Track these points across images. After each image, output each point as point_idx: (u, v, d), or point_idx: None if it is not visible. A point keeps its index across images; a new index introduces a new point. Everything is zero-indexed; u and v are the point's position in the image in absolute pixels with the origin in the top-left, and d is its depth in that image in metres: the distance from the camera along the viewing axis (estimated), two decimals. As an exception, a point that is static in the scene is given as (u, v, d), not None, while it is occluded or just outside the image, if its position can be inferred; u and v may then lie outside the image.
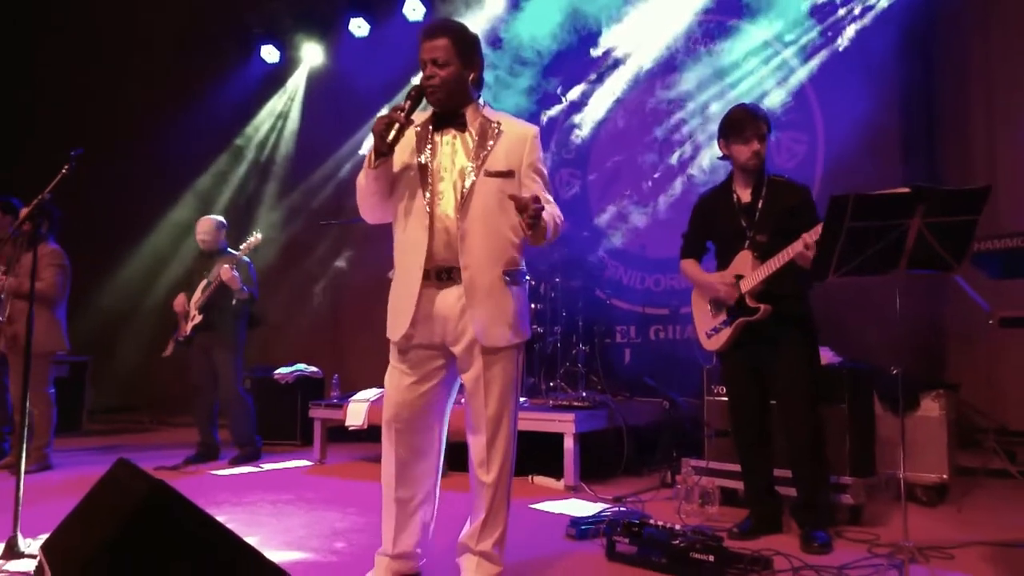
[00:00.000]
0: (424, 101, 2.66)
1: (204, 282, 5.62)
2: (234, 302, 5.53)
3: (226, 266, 5.42)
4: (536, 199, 2.49)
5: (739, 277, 3.40)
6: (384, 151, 2.57)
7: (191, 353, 5.67)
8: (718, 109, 5.88)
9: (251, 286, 5.63)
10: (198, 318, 5.58)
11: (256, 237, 5.56)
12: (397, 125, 2.54)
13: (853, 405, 3.79)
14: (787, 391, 3.35)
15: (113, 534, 1.95)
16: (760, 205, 3.40)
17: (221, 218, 5.90)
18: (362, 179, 2.69)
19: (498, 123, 2.71)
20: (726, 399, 4.13)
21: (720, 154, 3.53)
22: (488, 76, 6.46)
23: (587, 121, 6.54)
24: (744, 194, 3.45)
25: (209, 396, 5.68)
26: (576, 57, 6.56)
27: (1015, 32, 5.03)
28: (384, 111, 2.64)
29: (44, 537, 2.51)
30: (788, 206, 3.33)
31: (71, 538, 2.34)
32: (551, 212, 2.63)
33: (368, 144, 2.67)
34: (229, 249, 5.72)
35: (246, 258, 5.61)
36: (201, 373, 5.65)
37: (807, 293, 3.40)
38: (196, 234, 5.81)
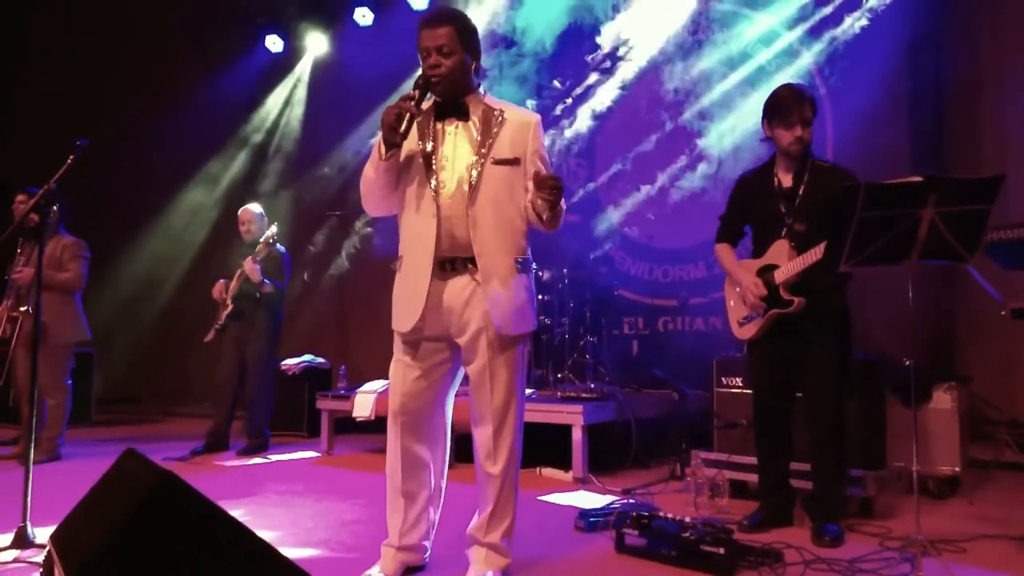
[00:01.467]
0: (428, 88, 2.64)
1: (239, 271, 5.64)
2: (258, 295, 5.55)
3: (249, 258, 5.45)
4: (557, 176, 2.48)
5: (773, 267, 3.31)
6: (395, 142, 2.55)
7: (223, 342, 5.70)
8: (726, 99, 5.84)
9: (280, 279, 5.64)
10: (230, 307, 5.61)
11: (271, 231, 5.57)
12: (408, 115, 2.51)
13: (864, 397, 3.76)
14: (816, 384, 3.28)
15: (121, 524, 1.94)
16: (801, 191, 3.29)
17: (259, 208, 5.93)
18: (370, 171, 2.66)
19: (501, 111, 2.69)
20: (738, 390, 4.12)
21: (763, 135, 3.39)
22: (492, 67, 6.46)
23: (595, 111, 6.49)
24: (786, 179, 3.34)
25: (235, 386, 5.70)
26: (581, 47, 6.52)
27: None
28: (392, 101, 2.59)
29: (53, 527, 2.51)
30: (831, 193, 3.17)
31: (79, 528, 2.33)
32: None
33: (377, 135, 2.64)
34: (267, 241, 5.70)
35: (281, 247, 5.61)
36: (230, 363, 5.67)
37: (845, 287, 3.31)
38: (239, 224, 5.87)
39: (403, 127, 2.51)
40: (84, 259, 5.46)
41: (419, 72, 2.64)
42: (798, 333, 3.28)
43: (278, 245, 5.69)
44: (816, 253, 3.14)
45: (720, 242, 3.57)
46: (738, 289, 3.45)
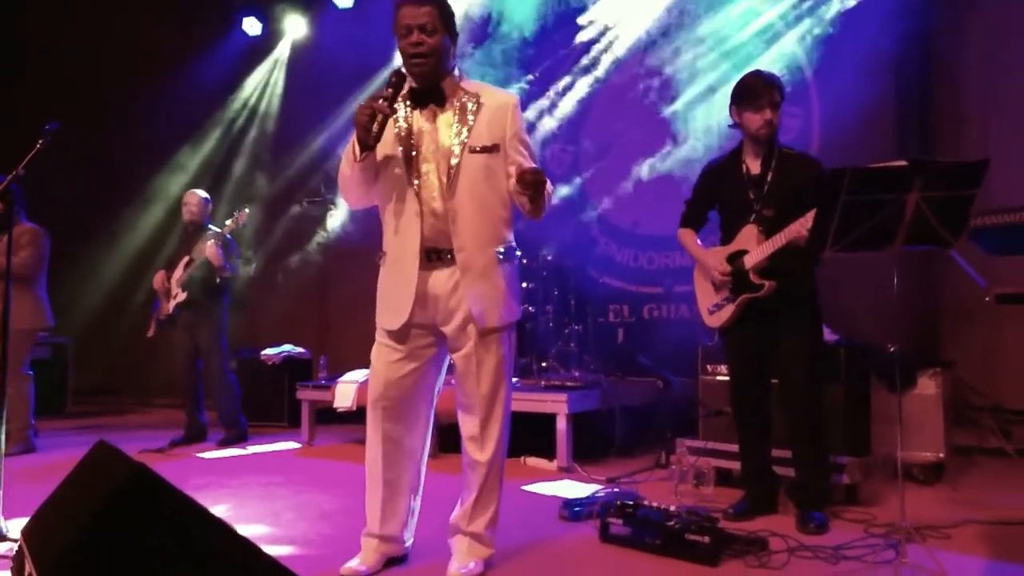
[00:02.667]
0: (404, 86, 2.56)
1: (186, 259, 5.52)
2: (217, 280, 5.44)
3: (211, 242, 5.32)
4: (539, 169, 2.44)
5: (743, 252, 3.31)
6: (369, 144, 2.48)
7: (175, 333, 5.58)
8: (710, 82, 5.80)
9: (233, 264, 5.53)
10: (181, 296, 5.47)
11: (243, 212, 5.45)
12: (381, 116, 2.45)
13: (849, 383, 3.76)
14: (789, 369, 3.29)
15: (91, 519, 1.89)
16: (769, 178, 3.29)
17: (205, 193, 5.80)
18: (346, 169, 2.59)
19: (477, 95, 2.62)
20: (723, 378, 4.10)
21: (731, 121, 3.40)
22: (473, 50, 6.39)
23: (578, 96, 6.43)
24: (753, 165, 3.35)
25: (194, 376, 5.60)
26: (566, 31, 6.46)
27: (1011, 6, 4.96)
28: (370, 89, 2.53)
29: (25, 520, 2.45)
30: (798, 180, 3.22)
31: (50, 522, 2.28)
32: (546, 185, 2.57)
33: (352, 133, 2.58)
34: (212, 226, 5.62)
35: (229, 235, 5.50)
36: (185, 353, 5.56)
37: (813, 271, 3.32)
38: (183, 207, 5.71)
39: (376, 128, 2.45)
40: (39, 246, 5.30)
41: (404, 56, 2.56)
42: (769, 318, 3.29)
43: (221, 230, 5.54)
44: (784, 236, 3.14)
45: (683, 227, 3.58)
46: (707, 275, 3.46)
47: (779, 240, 3.16)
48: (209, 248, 5.30)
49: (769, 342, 3.32)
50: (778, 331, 3.29)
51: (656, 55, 6.10)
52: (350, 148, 2.55)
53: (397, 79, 2.51)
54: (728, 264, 3.33)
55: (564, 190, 6.34)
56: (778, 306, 3.26)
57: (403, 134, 2.59)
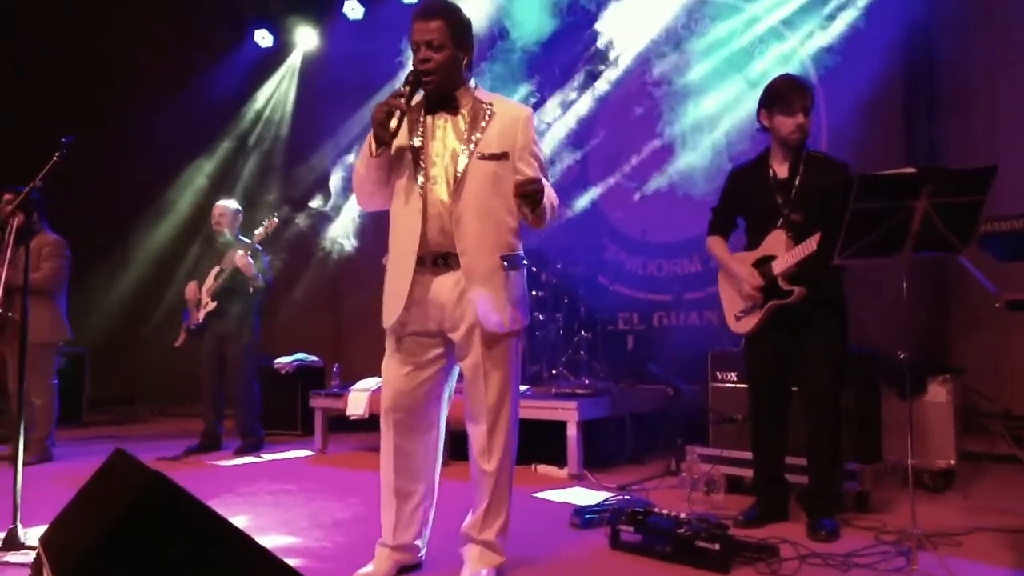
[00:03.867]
0: (418, 84, 2.61)
1: (216, 269, 5.58)
2: (251, 290, 5.49)
3: (240, 252, 5.38)
4: (536, 179, 2.46)
5: (770, 258, 3.27)
6: (385, 140, 2.52)
7: (202, 341, 5.64)
8: (718, 92, 5.82)
9: (264, 274, 5.58)
10: (211, 305, 5.54)
11: (272, 221, 5.49)
12: (398, 113, 2.49)
13: (859, 390, 3.75)
14: (813, 376, 3.25)
15: (109, 527, 1.92)
16: (797, 182, 3.25)
17: (235, 203, 5.86)
18: (360, 168, 2.64)
19: (490, 104, 2.66)
20: (733, 385, 4.11)
21: (759, 125, 3.36)
22: (485, 59, 6.44)
23: (586, 105, 6.47)
24: (781, 169, 3.31)
25: (217, 386, 5.65)
26: (575, 40, 6.49)
27: (1018, 12, 4.96)
28: (382, 96, 2.57)
29: (44, 528, 2.48)
30: (826, 184, 3.13)
31: (68, 530, 2.31)
32: (548, 195, 2.59)
33: (368, 132, 2.62)
34: (241, 237, 5.67)
35: (258, 245, 5.56)
36: (211, 362, 5.61)
37: (842, 277, 3.28)
38: (211, 218, 5.77)
39: (393, 125, 2.49)
40: (63, 258, 5.37)
41: (410, 68, 2.61)
42: (796, 324, 3.25)
43: (252, 240, 5.61)
44: (813, 243, 3.09)
45: (712, 235, 3.54)
46: (734, 282, 3.43)
47: (809, 245, 3.11)
48: (239, 258, 5.36)
49: (795, 348, 3.28)
50: (805, 337, 3.25)
51: (665, 65, 6.13)
52: (366, 146, 2.60)
53: (414, 78, 2.56)
54: (757, 271, 3.30)
55: (580, 202, 6.36)
56: (807, 312, 3.22)
57: (415, 137, 2.63)
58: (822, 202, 3.11)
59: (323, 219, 7.63)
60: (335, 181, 7.53)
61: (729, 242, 3.55)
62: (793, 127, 3.23)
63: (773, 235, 3.28)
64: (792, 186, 3.27)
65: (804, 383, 3.33)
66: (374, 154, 2.56)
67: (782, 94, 3.25)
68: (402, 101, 2.50)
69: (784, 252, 3.23)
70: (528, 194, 2.45)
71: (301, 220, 7.91)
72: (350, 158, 7.30)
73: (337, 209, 7.28)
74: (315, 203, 7.53)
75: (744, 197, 3.43)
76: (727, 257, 3.46)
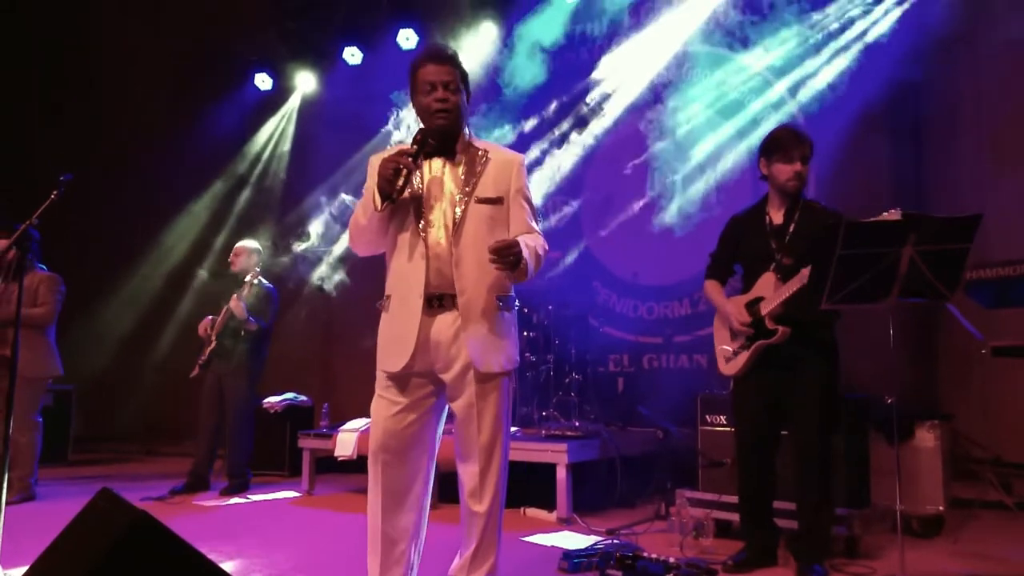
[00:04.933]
0: (425, 144, 2.64)
1: (225, 308, 5.62)
2: (243, 332, 5.52)
3: (235, 296, 5.44)
4: (512, 244, 2.49)
5: (759, 299, 3.33)
6: (391, 196, 2.55)
7: (205, 379, 5.65)
8: (708, 139, 5.93)
9: (265, 316, 5.63)
10: (214, 343, 5.56)
11: (255, 272, 5.59)
12: (405, 171, 2.53)
13: (848, 435, 3.76)
14: (802, 418, 3.26)
15: (93, 567, 1.90)
16: (792, 228, 3.32)
17: (253, 244, 5.91)
18: (361, 219, 2.66)
19: (485, 151, 2.72)
20: (723, 428, 4.11)
21: (760, 173, 3.44)
22: (478, 103, 6.56)
23: (580, 149, 6.57)
24: (777, 216, 3.39)
25: (213, 424, 5.63)
26: (567, 87, 6.63)
27: (1004, 62, 5.09)
28: (379, 143, 2.61)
29: (25, 569, 2.45)
30: (819, 231, 3.19)
31: (50, 571, 2.28)
32: (533, 246, 2.63)
33: (368, 182, 2.65)
34: (261, 278, 5.71)
35: (267, 284, 5.60)
36: (210, 400, 5.61)
37: (833, 319, 3.31)
38: (231, 257, 5.88)
39: (400, 182, 2.53)
40: (59, 294, 5.40)
41: (426, 111, 2.65)
42: (784, 367, 3.27)
43: (264, 282, 5.68)
44: (799, 281, 3.15)
45: (709, 279, 3.60)
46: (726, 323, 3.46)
47: (793, 285, 3.17)
48: (233, 302, 5.43)
49: (783, 391, 3.30)
50: (793, 378, 3.26)
51: (655, 113, 6.24)
52: (368, 199, 2.62)
53: (423, 136, 2.61)
54: (747, 312, 3.35)
55: (572, 244, 6.42)
56: (794, 353, 3.25)
57: (415, 183, 2.66)
58: (811, 247, 3.16)
59: (314, 259, 7.67)
60: (318, 224, 7.60)
61: (726, 287, 3.60)
62: (791, 174, 3.30)
63: (764, 278, 3.35)
64: (786, 232, 3.34)
65: (792, 424, 3.33)
66: (378, 208, 2.59)
67: (782, 143, 3.34)
68: (410, 160, 2.54)
69: (772, 293, 3.28)
70: (503, 260, 2.48)
71: (293, 260, 7.95)
72: (346, 199, 7.40)
73: (328, 249, 7.32)
74: (301, 244, 7.58)
75: (741, 242, 3.51)
76: (722, 299, 3.52)
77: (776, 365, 3.29)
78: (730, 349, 3.44)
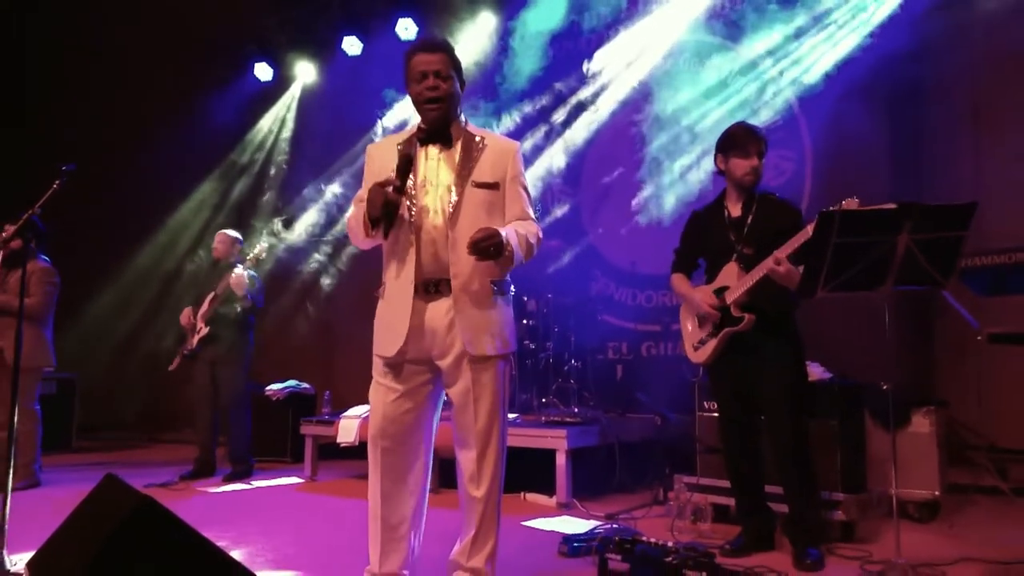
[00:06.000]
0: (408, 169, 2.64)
1: (211, 294, 5.63)
2: (238, 309, 5.53)
3: (236, 271, 5.43)
4: (491, 234, 2.49)
5: (724, 288, 3.42)
6: (380, 223, 2.56)
7: (195, 366, 5.67)
8: (706, 128, 5.93)
9: (256, 296, 5.64)
10: (204, 331, 5.58)
11: (262, 246, 5.59)
12: (394, 203, 2.54)
13: (844, 421, 3.79)
14: (772, 403, 3.35)
15: (99, 551, 1.93)
16: (749, 220, 3.43)
17: (235, 233, 5.94)
18: (356, 227, 2.69)
19: (482, 138, 2.74)
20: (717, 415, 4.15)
21: (716, 168, 3.55)
22: (476, 91, 6.56)
23: (578, 138, 6.58)
24: (735, 209, 3.49)
25: (211, 411, 5.67)
26: (566, 73, 6.62)
27: (1001, 51, 5.08)
28: (376, 183, 2.58)
29: (31, 555, 2.48)
30: (777, 225, 3.33)
31: (57, 555, 2.32)
32: (524, 234, 2.65)
33: (365, 189, 2.66)
34: (240, 266, 5.73)
35: (253, 272, 5.62)
36: (204, 387, 5.63)
37: (793, 305, 3.39)
38: (213, 244, 5.88)
39: (390, 214, 2.54)
40: (51, 285, 5.40)
41: (418, 100, 2.66)
42: (750, 352, 3.36)
43: (246, 268, 5.66)
44: (761, 269, 3.24)
45: (675, 272, 3.69)
46: (695, 312, 3.55)
47: (756, 274, 3.27)
48: (235, 276, 5.40)
49: (753, 377, 3.39)
50: (760, 364, 3.36)
51: (655, 101, 6.23)
52: (362, 213, 2.62)
53: (404, 164, 2.60)
54: (713, 295, 3.44)
55: (571, 233, 6.42)
56: (759, 339, 3.34)
57: (410, 170, 2.68)
58: (775, 238, 3.25)
59: (314, 247, 7.69)
60: (318, 213, 7.61)
61: (695, 280, 3.68)
62: (748, 169, 3.41)
63: (727, 268, 3.45)
64: (744, 224, 3.44)
65: (765, 411, 3.42)
66: (370, 233, 2.61)
67: (738, 139, 3.44)
68: (397, 195, 2.54)
69: (735, 282, 3.37)
70: (481, 249, 2.49)
71: (293, 247, 7.98)
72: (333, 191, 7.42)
73: (327, 238, 7.34)
74: (302, 232, 7.59)
75: (702, 236, 3.61)
76: (688, 289, 3.61)
77: (742, 352, 3.38)
78: (698, 340, 3.52)
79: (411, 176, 2.66)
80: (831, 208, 2.94)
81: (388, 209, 2.54)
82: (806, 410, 3.40)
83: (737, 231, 3.44)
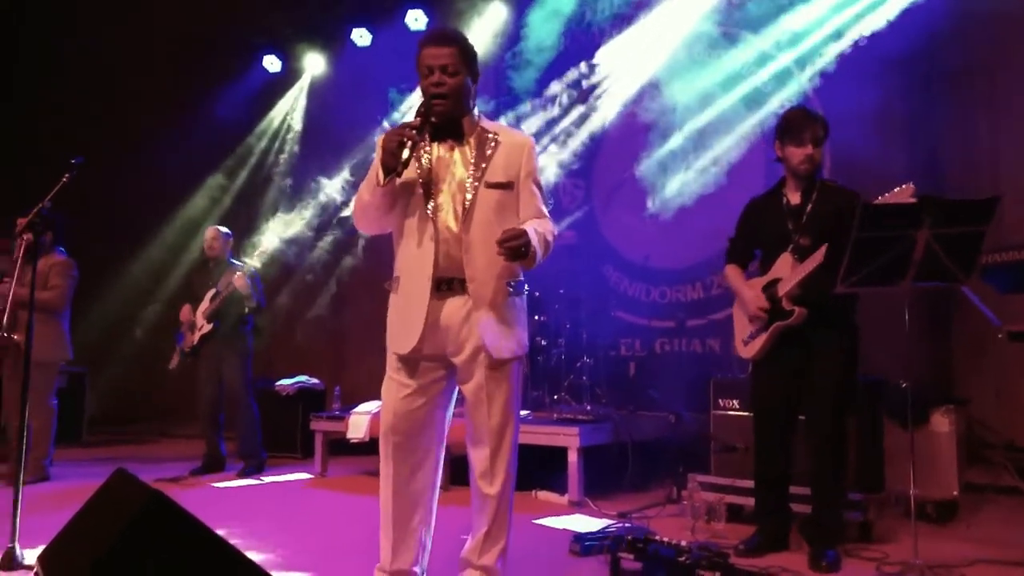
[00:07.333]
0: (430, 116, 2.61)
1: (212, 291, 5.62)
2: (245, 310, 5.53)
3: (239, 274, 5.42)
4: (521, 234, 2.47)
5: (777, 281, 3.31)
6: (395, 169, 2.51)
7: (198, 363, 5.66)
8: (721, 119, 5.87)
9: (258, 296, 5.63)
10: (207, 327, 5.57)
11: (263, 247, 5.58)
12: (410, 143, 2.50)
13: (862, 419, 3.74)
14: (815, 405, 3.26)
15: (110, 545, 1.92)
16: (809, 208, 3.30)
17: (226, 229, 5.92)
18: (365, 195, 2.64)
19: (495, 134, 2.69)
20: (735, 413, 4.10)
21: (775, 156, 3.42)
22: (491, 84, 6.52)
23: (591, 131, 6.53)
24: (794, 197, 3.37)
25: (216, 407, 5.67)
26: (578, 67, 6.57)
27: (1019, 40, 5.00)
28: (388, 126, 2.58)
29: (42, 548, 2.48)
30: (837, 209, 3.20)
31: (68, 549, 2.31)
32: (542, 232, 2.61)
33: (373, 158, 2.64)
34: (234, 260, 5.73)
35: (253, 268, 5.60)
36: (209, 383, 5.63)
37: (854, 304, 3.28)
38: (204, 242, 5.85)
39: (405, 155, 2.50)
40: (70, 278, 5.41)
41: (424, 96, 2.62)
42: (803, 348, 3.25)
43: (238, 263, 5.65)
44: (815, 260, 3.13)
45: (730, 263, 3.58)
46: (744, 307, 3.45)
47: (809, 264, 3.16)
48: (238, 278, 5.39)
49: (800, 377, 3.29)
50: (811, 363, 3.25)
51: (669, 93, 6.17)
52: (372, 174, 2.59)
53: (426, 108, 2.57)
54: (764, 295, 3.33)
55: (584, 228, 6.38)
56: (812, 334, 3.23)
57: (422, 164, 2.65)
58: (835, 226, 3.13)
59: (324, 239, 7.68)
60: (326, 206, 7.60)
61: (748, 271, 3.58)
62: (803, 157, 3.28)
63: (781, 259, 3.33)
64: (803, 213, 3.32)
65: (808, 406, 3.32)
66: (382, 183, 2.55)
67: (793, 126, 3.32)
68: (414, 132, 2.51)
69: (789, 273, 3.26)
70: (512, 249, 2.46)
71: (301, 240, 7.96)
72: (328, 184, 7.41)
73: (339, 231, 7.32)
74: (311, 227, 7.58)
75: (758, 225, 3.49)
76: (740, 283, 3.50)
77: (795, 347, 3.27)
78: (748, 335, 3.43)
79: (428, 170, 2.62)
80: (881, 198, 2.88)
81: (403, 150, 2.47)
82: (850, 410, 3.29)
83: (795, 220, 3.31)
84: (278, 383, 6.69)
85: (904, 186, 2.96)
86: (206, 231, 5.87)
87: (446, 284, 2.60)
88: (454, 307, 2.61)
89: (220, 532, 2.03)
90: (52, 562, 2.31)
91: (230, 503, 4.64)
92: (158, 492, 1.98)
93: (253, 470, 5.58)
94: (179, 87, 8.34)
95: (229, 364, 5.59)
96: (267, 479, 5.50)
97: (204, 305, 5.63)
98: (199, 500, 4.59)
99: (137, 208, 8.56)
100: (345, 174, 7.77)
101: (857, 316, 3.36)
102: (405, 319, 2.63)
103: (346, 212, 7.59)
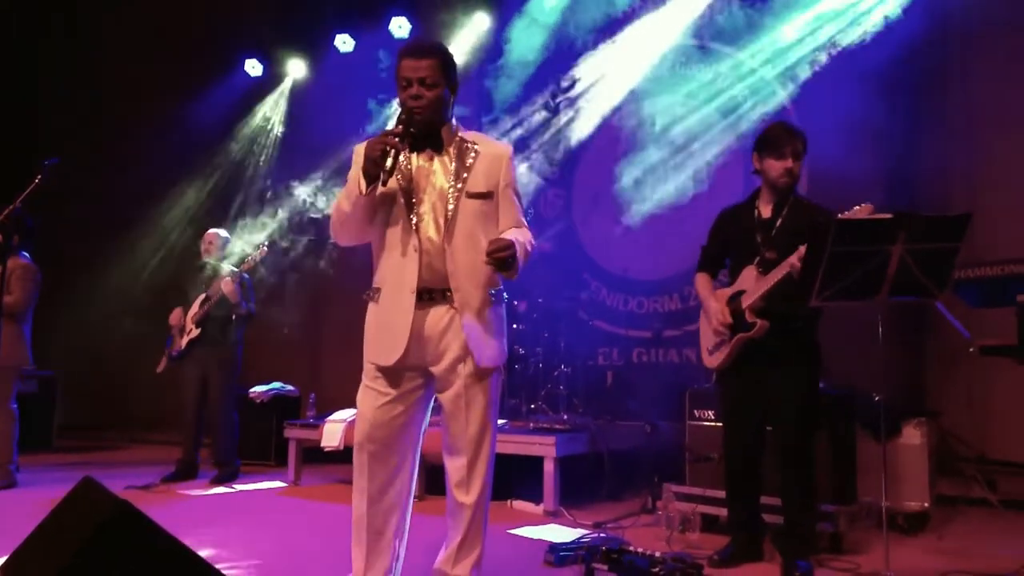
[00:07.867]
0: (411, 125, 2.60)
1: (202, 296, 5.56)
2: (234, 317, 5.47)
3: (228, 279, 5.37)
4: (508, 244, 2.47)
5: (742, 293, 3.33)
6: (378, 178, 2.50)
7: (184, 368, 5.60)
8: (698, 131, 5.91)
9: (249, 303, 5.58)
10: (195, 332, 5.52)
11: (262, 249, 5.53)
12: (393, 152, 2.48)
13: (834, 431, 3.77)
14: (783, 413, 3.26)
15: (72, 557, 1.88)
16: (779, 223, 3.32)
17: (226, 233, 5.88)
18: (345, 205, 2.62)
19: (474, 144, 2.69)
20: (710, 423, 4.11)
21: (752, 168, 3.43)
22: (473, 93, 6.52)
23: (570, 141, 6.55)
24: (766, 210, 3.38)
25: (198, 412, 5.60)
26: (559, 77, 6.60)
27: (995, 59, 5.09)
28: (376, 135, 2.54)
29: (4, 559, 2.42)
30: (808, 226, 3.18)
31: (31, 559, 2.26)
32: (523, 242, 2.61)
33: (352, 170, 2.62)
34: (227, 264, 5.67)
35: (246, 275, 5.55)
36: (193, 388, 5.57)
37: (816, 316, 3.29)
38: (201, 244, 5.79)
39: (388, 163, 2.48)
40: (32, 283, 5.30)
41: (403, 108, 2.61)
42: (766, 360, 3.27)
43: (233, 268, 5.61)
44: (777, 274, 3.15)
45: (700, 271, 3.60)
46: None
47: (772, 278, 3.17)
48: (226, 284, 5.35)
49: (764, 387, 3.30)
50: (775, 373, 3.26)
51: (650, 105, 6.22)
52: (353, 184, 2.57)
53: (408, 117, 2.56)
54: (728, 307, 3.35)
55: (562, 238, 6.39)
56: (775, 347, 3.24)
57: (402, 174, 2.63)
58: (802, 242, 3.11)
59: (302, 248, 7.63)
60: (305, 212, 7.55)
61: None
62: (782, 171, 3.30)
63: (746, 271, 3.35)
64: (773, 226, 3.33)
65: (774, 419, 3.33)
66: (364, 192, 2.54)
67: (773, 139, 3.34)
68: (397, 140, 2.50)
69: (753, 286, 3.28)
70: (500, 260, 2.46)
71: (279, 248, 7.90)
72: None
73: (315, 238, 7.29)
74: (288, 233, 7.53)
75: (729, 235, 3.51)
76: (707, 294, 3.52)
77: (758, 360, 3.29)
78: (712, 345, 3.45)
79: (409, 181, 2.61)
80: (840, 215, 2.91)
81: (386, 159, 2.45)
82: (816, 422, 3.31)
83: (764, 233, 3.33)
84: (252, 390, 6.62)
85: (863, 205, 2.99)
86: (206, 234, 5.83)
87: (428, 294, 2.59)
88: (436, 317, 2.60)
89: (190, 541, 1.99)
90: (14, 572, 2.26)
91: (202, 511, 4.57)
92: (125, 502, 1.94)
93: (226, 478, 5.52)
94: (160, 88, 8.27)
95: (214, 371, 5.54)
96: (240, 487, 5.44)
97: (193, 310, 5.58)
98: (169, 509, 4.53)
99: (113, 211, 8.46)
100: (320, 180, 7.74)
101: (824, 330, 3.38)
102: (388, 330, 2.61)
103: (318, 215, 7.56)
